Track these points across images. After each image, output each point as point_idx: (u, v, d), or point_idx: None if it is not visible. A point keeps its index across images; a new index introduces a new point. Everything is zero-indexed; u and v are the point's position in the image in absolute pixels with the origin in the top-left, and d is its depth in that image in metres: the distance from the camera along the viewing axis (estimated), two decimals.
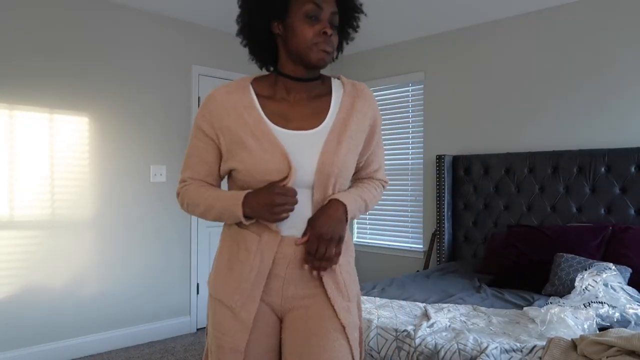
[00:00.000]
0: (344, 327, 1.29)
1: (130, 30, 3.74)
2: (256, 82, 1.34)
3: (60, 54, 3.40)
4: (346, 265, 1.36)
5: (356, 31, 1.38)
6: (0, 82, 3.16)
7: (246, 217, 1.26)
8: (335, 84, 1.37)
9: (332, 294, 1.30)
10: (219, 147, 1.32)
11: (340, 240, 1.27)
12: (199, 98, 4.14)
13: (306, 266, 1.26)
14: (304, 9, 1.23)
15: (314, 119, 1.30)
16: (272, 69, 1.37)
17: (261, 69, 1.39)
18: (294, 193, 1.23)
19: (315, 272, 1.27)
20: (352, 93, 1.35)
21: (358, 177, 1.46)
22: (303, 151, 1.26)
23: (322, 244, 1.24)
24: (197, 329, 4.12)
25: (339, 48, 1.38)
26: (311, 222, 1.27)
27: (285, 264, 1.29)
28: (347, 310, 1.31)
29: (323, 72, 1.39)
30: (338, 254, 1.27)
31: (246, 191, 1.26)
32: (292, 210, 1.24)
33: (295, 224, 1.29)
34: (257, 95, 1.31)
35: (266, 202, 1.21)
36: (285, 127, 1.28)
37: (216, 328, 1.32)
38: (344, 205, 1.29)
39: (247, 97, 1.29)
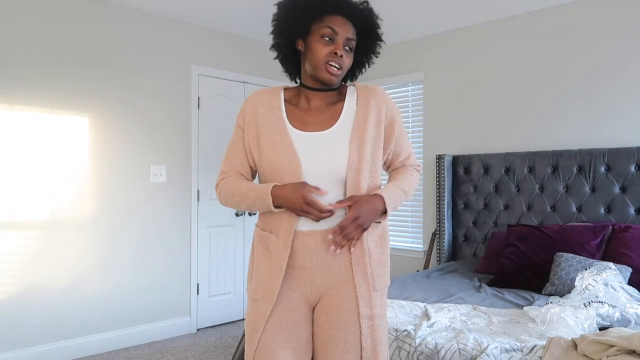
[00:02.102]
0: (360, 317, 1.40)
1: (130, 30, 3.75)
2: (287, 90, 1.55)
3: (60, 54, 3.40)
4: (378, 255, 1.47)
5: (376, 56, 1.57)
6: (0, 82, 3.16)
7: (276, 206, 1.39)
8: (350, 90, 1.54)
9: (359, 281, 1.42)
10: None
11: (365, 229, 1.39)
12: (198, 98, 4.14)
13: (330, 236, 1.37)
14: (321, 31, 1.42)
15: (328, 122, 1.46)
16: (298, 81, 1.58)
17: (291, 80, 1.60)
18: (321, 210, 1.34)
19: (332, 247, 1.37)
20: (365, 94, 1.50)
21: (393, 167, 1.60)
22: (315, 150, 1.41)
23: (353, 225, 1.36)
24: (197, 329, 4.12)
25: (359, 69, 1.58)
26: (356, 202, 1.38)
27: (309, 255, 1.42)
28: (368, 299, 1.42)
29: None
30: (357, 239, 1.39)
31: (274, 183, 1.40)
32: (316, 220, 1.36)
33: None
34: (286, 101, 1.51)
35: (294, 202, 1.34)
36: (302, 130, 1.44)
37: (247, 319, 1.46)
38: (384, 201, 1.41)
39: (276, 99, 1.50)
